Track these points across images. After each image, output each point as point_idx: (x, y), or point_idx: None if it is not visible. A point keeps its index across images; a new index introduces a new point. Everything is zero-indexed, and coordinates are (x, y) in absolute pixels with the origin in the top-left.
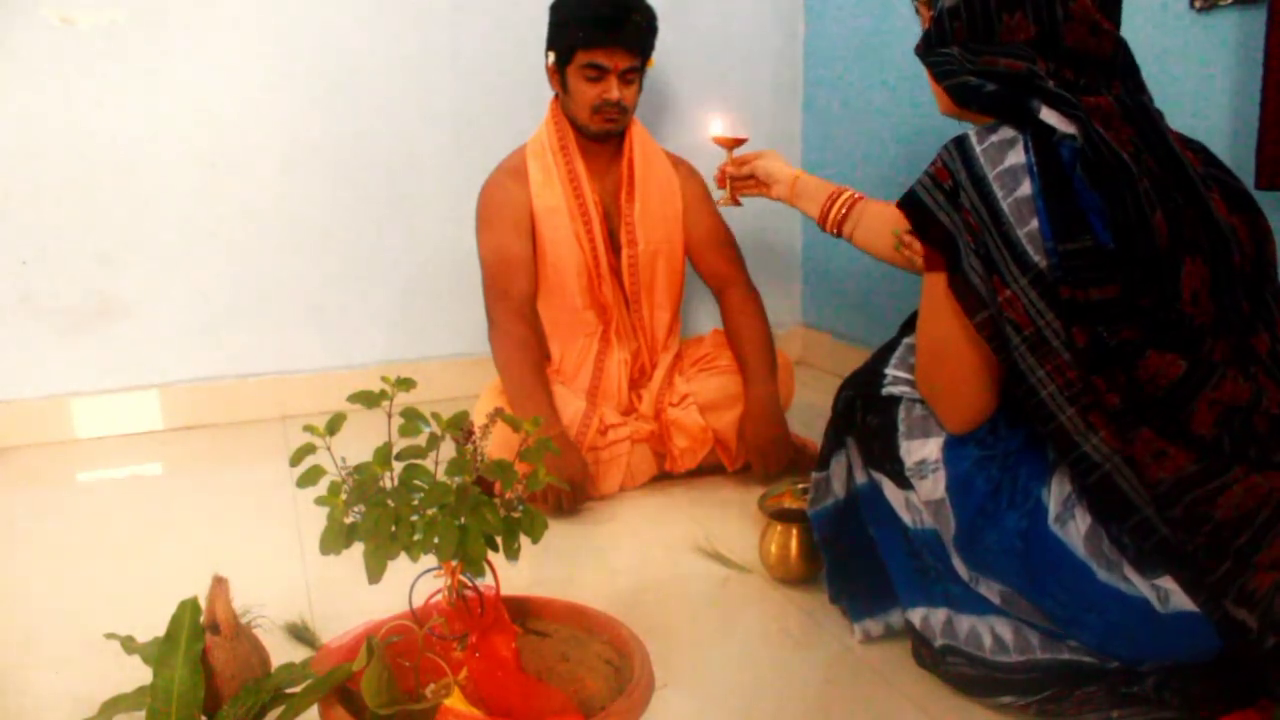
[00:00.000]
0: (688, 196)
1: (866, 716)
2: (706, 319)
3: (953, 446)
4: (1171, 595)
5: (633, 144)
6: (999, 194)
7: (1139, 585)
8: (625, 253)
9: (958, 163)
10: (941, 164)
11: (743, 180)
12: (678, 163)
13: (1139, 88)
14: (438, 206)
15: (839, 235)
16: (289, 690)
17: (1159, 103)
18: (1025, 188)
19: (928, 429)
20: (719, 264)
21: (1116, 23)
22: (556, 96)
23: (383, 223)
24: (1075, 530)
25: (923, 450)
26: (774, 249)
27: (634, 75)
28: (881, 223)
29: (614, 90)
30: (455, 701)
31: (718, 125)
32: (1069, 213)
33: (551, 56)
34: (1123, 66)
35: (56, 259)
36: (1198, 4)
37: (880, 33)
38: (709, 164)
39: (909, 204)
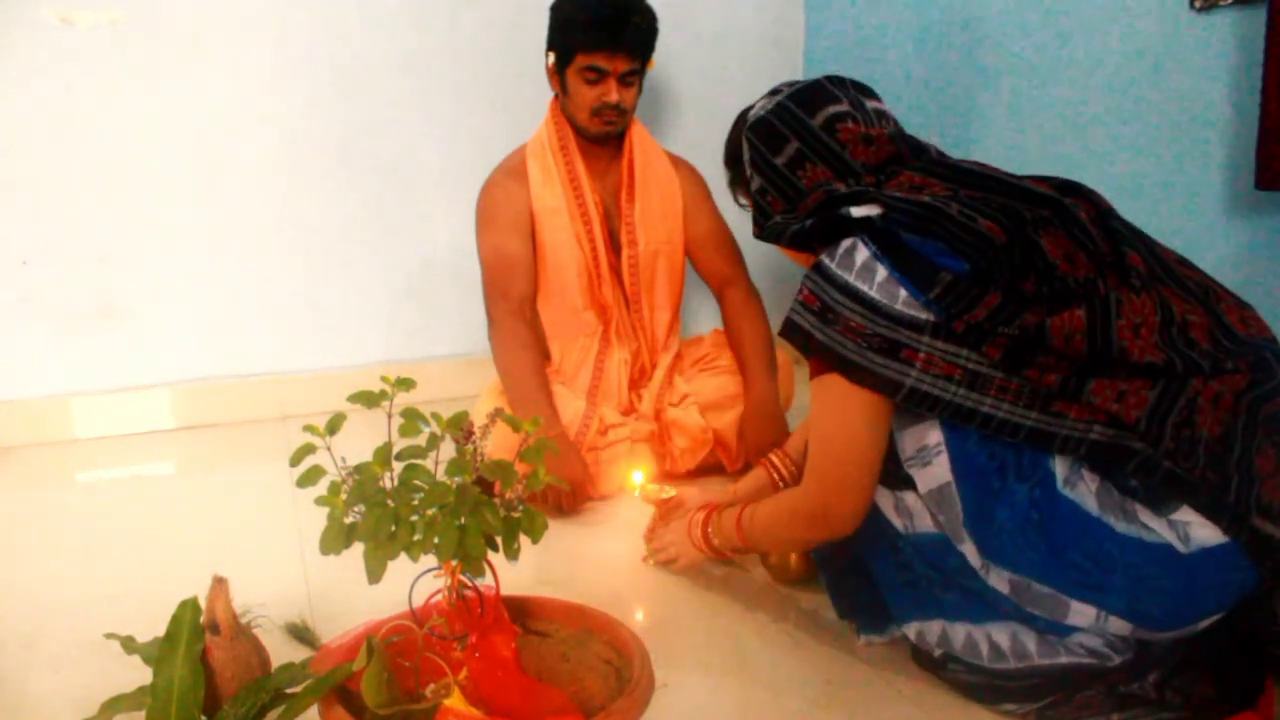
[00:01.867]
0: (688, 196)
1: (866, 717)
2: (706, 319)
3: (953, 428)
4: (1191, 530)
5: (633, 144)
6: (865, 289)
7: (1158, 529)
8: (625, 253)
9: (820, 284)
10: (808, 290)
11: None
12: (678, 163)
13: (937, 155)
14: (438, 206)
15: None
16: (289, 690)
17: (1158, 102)
18: (881, 271)
19: (922, 416)
20: (719, 264)
21: (889, 121)
22: (556, 97)
23: (383, 223)
24: (1086, 489)
25: (923, 437)
26: (774, 249)
27: (634, 78)
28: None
29: (613, 93)
30: (455, 701)
31: (639, 478)
32: (920, 266)
33: (551, 58)
34: (910, 151)
35: (57, 259)
36: (1198, 4)
37: (880, 33)
38: (709, 164)
39: (789, 330)
